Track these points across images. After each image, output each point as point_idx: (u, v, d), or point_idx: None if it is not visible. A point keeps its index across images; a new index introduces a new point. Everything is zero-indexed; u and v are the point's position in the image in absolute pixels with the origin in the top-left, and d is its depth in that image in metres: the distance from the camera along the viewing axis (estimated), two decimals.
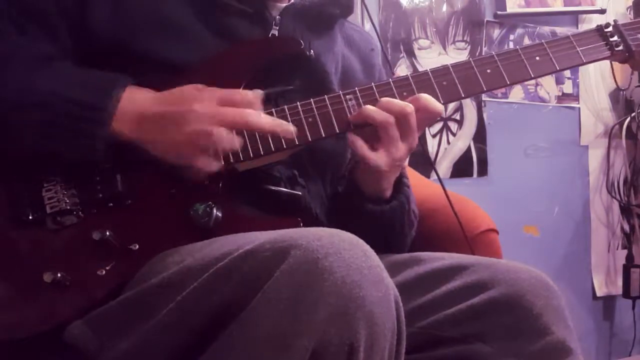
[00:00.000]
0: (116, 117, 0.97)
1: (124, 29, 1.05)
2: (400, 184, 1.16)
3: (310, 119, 1.04)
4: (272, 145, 1.03)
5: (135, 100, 0.98)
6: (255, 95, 1.01)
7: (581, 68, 2.64)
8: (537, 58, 1.12)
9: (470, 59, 1.11)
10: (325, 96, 1.06)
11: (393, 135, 1.04)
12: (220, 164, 0.99)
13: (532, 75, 1.12)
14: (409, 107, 1.05)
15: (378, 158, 1.06)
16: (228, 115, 0.97)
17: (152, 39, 1.05)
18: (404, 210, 1.16)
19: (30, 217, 1.00)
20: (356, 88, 1.07)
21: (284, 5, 1.15)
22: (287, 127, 1.01)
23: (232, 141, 0.98)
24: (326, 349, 0.75)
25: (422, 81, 1.08)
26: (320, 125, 1.05)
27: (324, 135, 1.05)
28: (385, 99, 1.06)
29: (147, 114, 0.98)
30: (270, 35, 1.13)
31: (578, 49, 1.14)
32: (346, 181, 1.17)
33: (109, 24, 1.05)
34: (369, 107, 1.05)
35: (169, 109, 0.98)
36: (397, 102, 1.05)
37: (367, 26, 1.95)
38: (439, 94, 1.08)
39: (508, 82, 1.11)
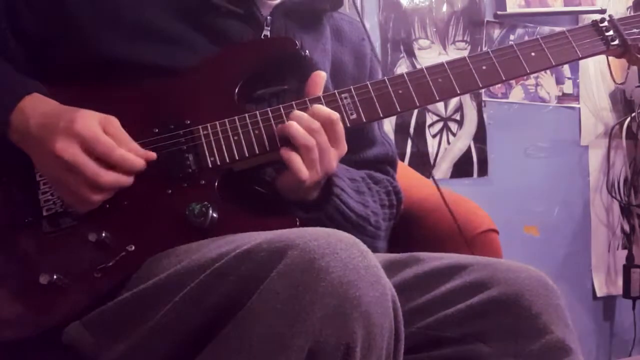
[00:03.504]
0: (10, 127, 0.99)
1: (106, 36, 1.05)
2: (328, 196, 1.08)
3: None
4: (267, 145, 1.03)
5: (24, 114, 0.98)
6: (119, 154, 0.96)
7: (581, 68, 2.64)
8: (533, 54, 1.12)
9: (466, 55, 1.11)
10: (321, 95, 1.06)
11: (314, 158, 1.01)
12: (90, 203, 0.98)
13: (528, 71, 1.12)
14: (314, 124, 1.01)
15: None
16: (79, 169, 0.94)
17: (136, 45, 1.05)
18: (335, 222, 1.09)
19: (26, 220, 1.00)
20: (351, 87, 1.07)
21: (274, 3, 1.15)
22: (122, 180, 0.98)
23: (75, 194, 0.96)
24: (322, 349, 0.75)
25: (417, 78, 1.08)
26: None
27: None
28: (301, 117, 1.01)
29: (28, 134, 0.98)
30: (262, 35, 1.13)
31: (574, 43, 1.14)
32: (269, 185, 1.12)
33: (90, 32, 1.05)
34: (294, 128, 1.01)
35: (41, 137, 0.96)
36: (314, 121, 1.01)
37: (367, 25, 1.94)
38: (435, 91, 1.08)
39: (504, 78, 1.11)
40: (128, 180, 0.98)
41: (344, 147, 1.04)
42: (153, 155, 1.01)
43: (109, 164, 0.96)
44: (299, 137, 1.00)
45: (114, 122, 0.98)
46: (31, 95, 1.00)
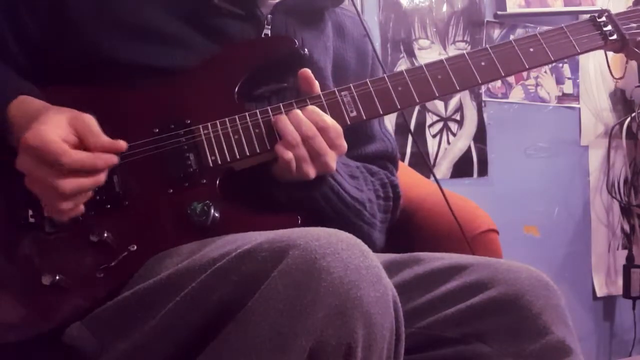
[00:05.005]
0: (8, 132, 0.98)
1: (107, 37, 1.05)
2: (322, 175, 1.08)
3: None
4: (267, 144, 1.03)
5: (14, 121, 0.98)
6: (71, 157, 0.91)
7: (581, 68, 2.64)
8: (531, 49, 1.12)
9: (465, 52, 1.11)
10: (320, 93, 1.06)
11: (300, 154, 1.01)
12: (62, 212, 0.95)
13: (527, 66, 1.12)
14: (311, 130, 1.01)
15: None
16: (39, 183, 0.92)
17: (136, 46, 1.06)
18: (331, 202, 1.10)
19: (28, 221, 1.00)
20: (351, 84, 1.07)
21: (275, 2, 1.15)
22: (85, 182, 0.93)
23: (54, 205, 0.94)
24: (324, 349, 0.76)
25: (416, 75, 1.08)
26: None
27: None
28: (296, 116, 1.02)
29: (14, 135, 0.97)
30: (263, 34, 1.13)
31: (572, 38, 1.14)
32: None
33: (90, 33, 1.06)
34: (282, 122, 1.02)
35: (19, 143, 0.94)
36: (304, 122, 1.02)
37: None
38: (434, 88, 1.08)
39: (503, 74, 1.11)
40: (93, 181, 0.94)
41: (343, 147, 1.04)
42: (122, 145, 0.96)
43: (66, 171, 0.92)
44: (287, 134, 1.01)
45: (84, 119, 0.95)
46: (19, 100, 0.99)
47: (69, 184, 0.91)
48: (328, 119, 1.03)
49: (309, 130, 1.01)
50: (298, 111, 1.02)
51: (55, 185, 0.90)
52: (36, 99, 1.00)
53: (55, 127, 0.92)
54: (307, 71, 1.06)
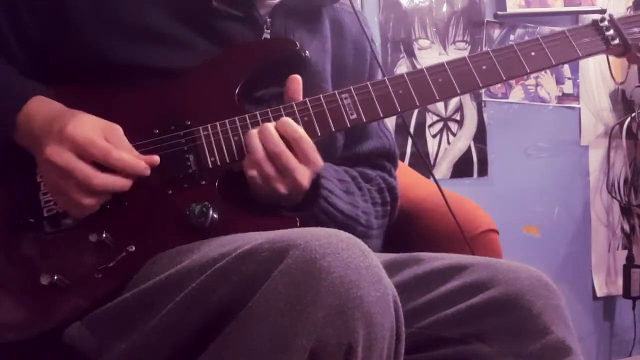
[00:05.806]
0: (17, 130, 1.00)
1: (107, 38, 1.05)
2: (315, 198, 1.08)
3: (305, 118, 1.04)
4: None
5: (30, 116, 0.99)
6: (119, 156, 0.96)
7: (581, 68, 2.64)
8: (533, 53, 1.12)
9: (466, 55, 1.11)
10: (321, 95, 1.06)
11: (265, 172, 1.01)
12: (83, 207, 0.97)
13: (528, 70, 1.12)
14: (278, 146, 1.00)
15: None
16: (69, 172, 0.94)
17: (136, 47, 1.06)
18: (320, 222, 1.08)
19: (27, 221, 1.00)
20: (351, 87, 1.07)
21: (273, 3, 1.15)
22: (117, 182, 0.97)
23: (70, 203, 0.97)
24: (324, 349, 0.75)
25: (417, 78, 1.08)
26: (316, 124, 1.05)
27: (319, 134, 1.05)
28: (265, 131, 1.01)
29: (32, 136, 0.99)
30: (262, 38, 1.13)
31: (574, 43, 1.14)
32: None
33: (90, 34, 1.06)
34: (249, 138, 1.01)
35: (39, 141, 0.97)
36: (273, 137, 1.01)
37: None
38: (435, 91, 1.08)
39: (504, 78, 1.11)
40: (124, 183, 0.98)
41: (317, 162, 1.03)
42: (156, 158, 1.00)
43: (107, 166, 0.96)
44: (251, 151, 1.00)
45: (116, 129, 0.98)
46: (36, 98, 1.01)
47: (103, 178, 0.95)
48: (301, 131, 1.01)
49: (276, 147, 1.00)
50: (269, 125, 1.01)
51: (88, 177, 0.94)
52: (53, 100, 1.01)
53: (93, 128, 0.96)
54: (296, 80, 1.06)
